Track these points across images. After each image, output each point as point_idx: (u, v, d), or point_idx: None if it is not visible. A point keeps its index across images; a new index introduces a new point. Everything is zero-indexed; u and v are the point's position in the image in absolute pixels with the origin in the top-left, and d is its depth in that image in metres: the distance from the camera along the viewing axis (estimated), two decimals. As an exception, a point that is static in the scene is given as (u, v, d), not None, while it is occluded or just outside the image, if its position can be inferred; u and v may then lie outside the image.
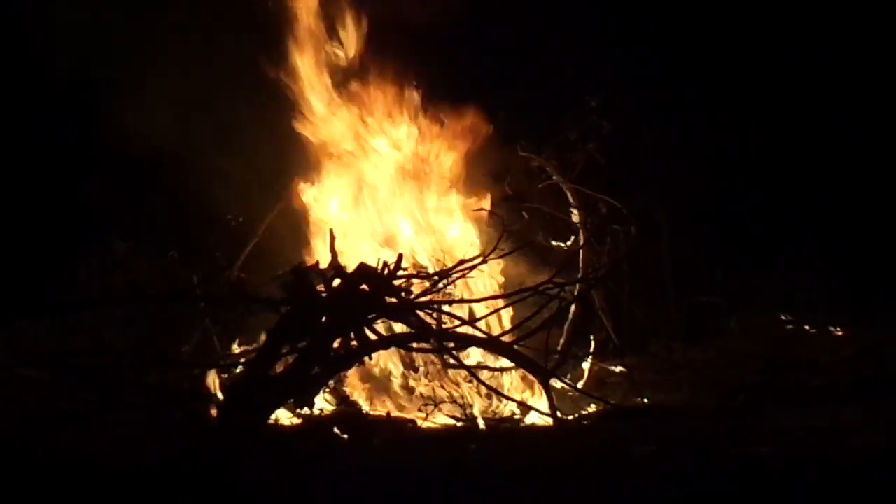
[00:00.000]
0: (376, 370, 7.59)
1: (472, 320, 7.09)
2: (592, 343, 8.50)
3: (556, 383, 7.36)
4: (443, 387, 7.59)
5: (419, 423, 7.12)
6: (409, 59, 8.54)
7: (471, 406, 7.46)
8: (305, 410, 6.89)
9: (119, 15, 8.63)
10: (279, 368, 6.48)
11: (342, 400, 7.40)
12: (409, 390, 7.60)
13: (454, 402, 7.46)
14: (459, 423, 7.28)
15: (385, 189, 8.40)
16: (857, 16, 9.96)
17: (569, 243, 8.61)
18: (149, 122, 8.42)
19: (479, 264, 7.18)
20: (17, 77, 9.37)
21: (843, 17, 9.93)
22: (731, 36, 9.90)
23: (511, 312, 7.70)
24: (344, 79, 8.55)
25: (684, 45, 9.74)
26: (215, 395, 7.30)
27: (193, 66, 8.43)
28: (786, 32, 9.95)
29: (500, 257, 7.42)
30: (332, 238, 7.12)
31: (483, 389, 7.37)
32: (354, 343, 6.46)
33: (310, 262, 7.20)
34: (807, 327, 9.17)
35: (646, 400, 7.73)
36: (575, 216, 8.67)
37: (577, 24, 9.38)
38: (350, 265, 6.99)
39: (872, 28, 9.95)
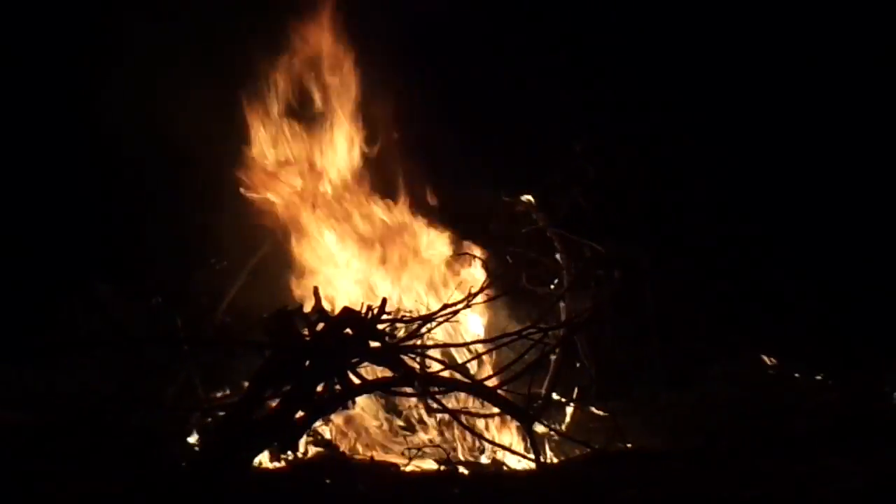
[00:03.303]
0: (360, 414, 7.60)
1: (455, 365, 7.10)
2: (576, 387, 8.50)
3: (540, 427, 7.37)
4: (427, 431, 7.60)
5: (403, 467, 7.11)
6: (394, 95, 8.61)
7: (454, 450, 7.46)
8: (289, 454, 6.89)
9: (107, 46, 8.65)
10: (263, 412, 6.48)
11: (325, 444, 7.39)
12: (393, 434, 7.61)
13: (438, 446, 7.46)
14: (443, 468, 7.27)
15: (370, 233, 8.43)
16: (845, 44, 10.02)
17: (552, 287, 8.62)
18: (136, 163, 8.46)
19: (463, 308, 7.19)
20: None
21: (832, 50, 9.99)
22: (716, 81, 9.94)
23: (494, 357, 7.71)
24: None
25: (669, 89, 9.78)
26: (199, 438, 7.31)
27: (185, 101, 8.44)
28: (774, 74, 10.00)
29: (483, 302, 7.45)
30: (318, 298, 7.14)
31: (467, 434, 7.38)
32: (338, 387, 6.47)
33: (293, 305, 7.20)
34: (791, 372, 9.17)
35: (629, 444, 7.72)
36: (559, 260, 8.69)
37: (562, 68, 9.42)
38: (334, 307, 7.02)
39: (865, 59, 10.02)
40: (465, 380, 7.02)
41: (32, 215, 9.37)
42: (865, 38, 9.92)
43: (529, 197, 8.95)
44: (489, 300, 7.53)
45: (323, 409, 6.56)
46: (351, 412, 7.44)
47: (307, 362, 6.46)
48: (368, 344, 6.69)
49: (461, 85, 8.68)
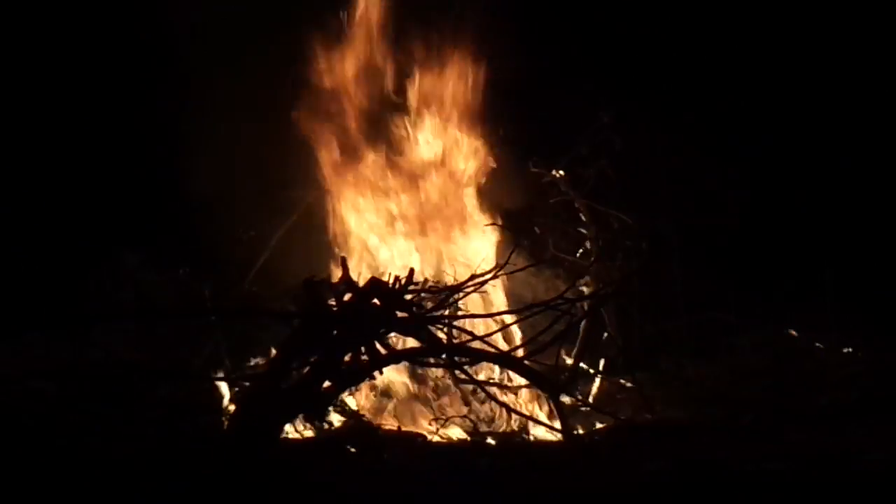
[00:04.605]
0: (387, 384, 7.61)
1: (482, 335, 7.10)
2: (603, 358, 8.50)
3: (567, 398, 7.38)
4: (453, 401, 7.61)
5: (430, 437, 7.12)
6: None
7: (481, 421, 7.48)
8: (316, 424, 6.91)
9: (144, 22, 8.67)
10: (290, 382, 6.50)
11: (353, 414, 7.40)
12: (421, 404, 7.62)
13: (465, 416, 7.47)
14: (470, 438, 7.29)
15: (400, 204, 8.42)
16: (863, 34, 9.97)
17: (580, 258, 8.61)
18: (164, 136, 8.47)
19: (491, 279, 7.19)
20: (31, 83, 9.42)
21: (852, 37, 9.95)
22: (747, 53, 9.90)
23: (522, 328, 7.71)
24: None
25: (699, 62, 9.75)
26: (227, 408, 7.33)
27: (217, 75, 8.45)
28: (805, 51, 9.95)
29: (511, 272, 7.44)
30: (346, 268, 7.14)
31: (494, 404, 7.39)
32: (365, 357, 6.48)
33: (321, 275, 7.21)
34: (817, 344, 9.15)
35: (655, 416, 7.71)
36: (586, 232, 8.68)
37: (590, 39, 9.38)
38: (361, 278, 7.03)
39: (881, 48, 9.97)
40: (493, 350, 7.02)
41: (62, 186, 9.40)
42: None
43: (559, 170, 8.94)
44: (516, 271, 7.52)
45: (350, 379, 6.57)
46: (378, 382, 7.44)
47: (335, 332, 6.47)
48: (396, 314, 6.69)
49: (490, 58, 8.63)
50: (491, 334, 7.24)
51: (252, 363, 7.94)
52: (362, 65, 8.55)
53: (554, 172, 8.87)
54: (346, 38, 8.54)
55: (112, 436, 6.50)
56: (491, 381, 7.52)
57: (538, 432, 7.38)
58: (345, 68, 8.51)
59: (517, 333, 7.78)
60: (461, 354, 6.82)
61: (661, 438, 6.86)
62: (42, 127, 9.42)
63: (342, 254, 7.50)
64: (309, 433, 7.03)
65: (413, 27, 8.53)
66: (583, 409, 7.70)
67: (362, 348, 6.46)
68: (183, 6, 8.33)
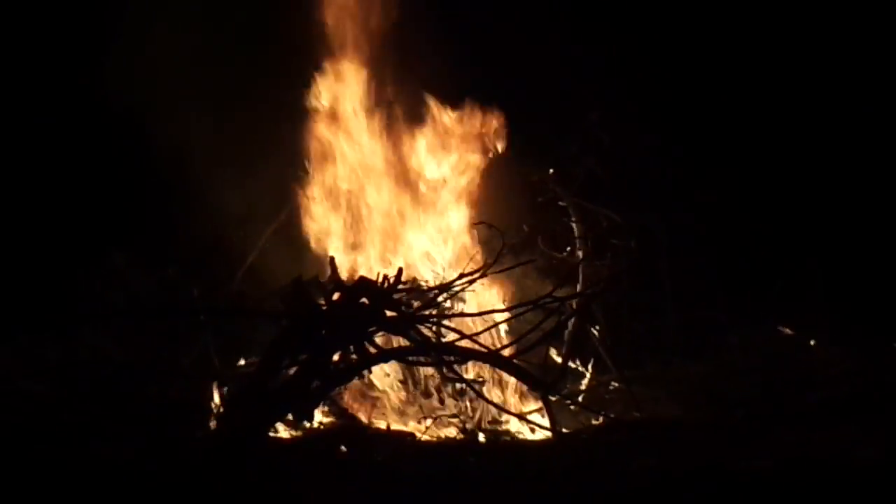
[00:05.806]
0: (376, 383, 7.61)
1: (471, 334, 7.10)
2: (591, 357, 8.50)
3: (556, 396, 7.37)
4: (442, 400, 7.61)
5: (419, 436, 7.12)
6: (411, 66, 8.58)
7: (470, 419, 7.48)
8: (305, 423, 6.91)
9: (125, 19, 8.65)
10: (279, 381, 6.50)
11: (342, 413, 7.40)
12: (410, 403, 7.62)
13: (454, 415, 7.47)
14: (459, 437, 7.29)
15: (386, 200, 8.42)
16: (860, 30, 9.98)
17: (568, 256, 8.61)
18: (151, 130, 8.46)
19: (479, 278, 7.18)
20: (19, 82, 9.41)
21: (839, 33, 9.96)
22: (734, 51, 9.90)
23: (510, 326, 7.71)
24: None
25: (686, 59, 9.75)
26: (216, 407, 7.33)
27: (200, 74, 8.44)
28: (793, 48, 9.96)
29: (500, 271, 7.43)
30: (334, 267, 7.14)
31: (482, 402, 7.38)
32: (354, 356, 6.47)
33: (310, 274, 7.21)
34: (806, 341, 9.15)
35: (644, 414, 7.71)
36: (575, 230, 8.67)
37: (577, 37, 9.38)
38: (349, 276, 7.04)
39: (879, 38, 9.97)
40: (482, 349, 7.02)
41: (50, 186, 9.38)
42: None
43: (548, 168, 8.94)
44: (505, 270, 7.51)
45: (339, 378, 6.56)
46: (367, 381, 7.44)
47: (323, 332, 6.47)
48: (385, 313, 6.68)
49: (476, 55, 8.64)
50: (479, 333, 7.24)
51: (241, 363, 7.94)
52: (351, 66, 8.56)
53: (543, 171, 8.87)
54: (335, 41, 8.55)
55: (101, 435, 6.50)
56: (480, 379, 7.52)
57: (526, 430, 7.38)
58: (333, 70, 8.52)
59: (506, 332, 7.78)
60: (450, 353, 6.82)
61: (650, 437, 6.87)
62: (29, 128, 9.39)
63: (330, 253, 7.48)
64: (298, 432, 7.04)
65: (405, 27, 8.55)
66: (571, 407, 7.69)
67: (351, 347, 6.46)
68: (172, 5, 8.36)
